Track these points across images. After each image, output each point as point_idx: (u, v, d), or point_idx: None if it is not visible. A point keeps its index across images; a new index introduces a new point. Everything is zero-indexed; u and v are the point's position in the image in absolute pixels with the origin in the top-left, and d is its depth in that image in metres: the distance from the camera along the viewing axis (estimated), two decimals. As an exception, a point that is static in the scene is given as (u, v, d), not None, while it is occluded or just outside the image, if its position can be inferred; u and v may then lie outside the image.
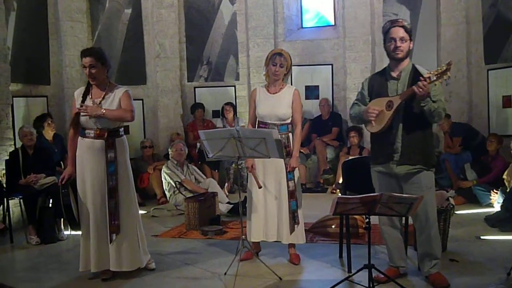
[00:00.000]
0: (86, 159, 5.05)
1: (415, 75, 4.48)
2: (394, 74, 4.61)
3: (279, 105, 5.38)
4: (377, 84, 4.71)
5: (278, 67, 5.36)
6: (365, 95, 4.76)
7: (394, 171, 4.59)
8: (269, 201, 5.40)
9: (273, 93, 5.45)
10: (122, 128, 5.23)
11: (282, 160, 5.23)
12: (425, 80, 4.24)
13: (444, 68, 4.23)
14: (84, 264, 5.14)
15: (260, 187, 5.34)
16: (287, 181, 5.35)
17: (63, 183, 5.13)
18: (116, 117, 5.04)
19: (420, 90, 4.24)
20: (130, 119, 5.12)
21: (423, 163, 4.55)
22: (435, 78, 4.25)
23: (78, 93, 5.18)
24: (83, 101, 5.06)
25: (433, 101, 4.38)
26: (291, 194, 5.35)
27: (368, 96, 4.73)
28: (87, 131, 5.05)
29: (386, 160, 4.61)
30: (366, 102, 4.72)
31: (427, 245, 4.66)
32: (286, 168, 5.33)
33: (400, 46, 4.51)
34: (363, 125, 5.15)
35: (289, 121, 5.44)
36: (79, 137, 5.11)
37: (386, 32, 4.60)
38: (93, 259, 5.07)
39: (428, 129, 4.64)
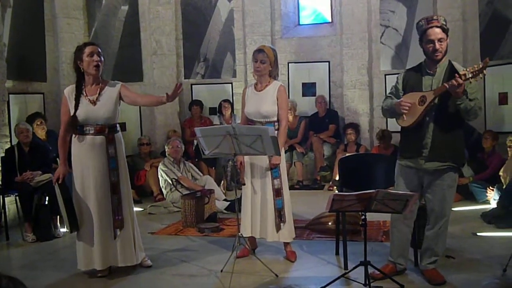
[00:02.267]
0: (87, 156, 5.00)
1: (451, 71, 4.42)
2: (429, 70, 4.57)
3: (263, 102, 5.36)
4: (412, 79, 4.66)
5: (259, 63, 5.34)
6: (399, 89, 4.72)
7: (423, 167, 4.55)
8: (255, 198, 5.39)
9: (259, 91, 5.44)
10: (117, 124, 5.21)
11: (267, 157, 5.23)
12: (460, 78, 4.18)
13: (481, 66, 4.18)
14: (85, 262, 5.10)
15: (243, 184, 5.35)
16: (272, 179, 5.33)
17: (59, 182, 5.10)
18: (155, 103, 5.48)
19: (453, 86, 4.18)
20: (158, 101, 5.31)
21: (453, 160, 4.52)
22: (470, 75, 4.20)
23: (69, 90, 5.10)
24: (76, 102, 4.99)
25: (470, 99, 4.33)
26: (277, 192, 5.32)
27: (402, 90, 4.68)
28: (86, 128, 5.01)
29: (415, 155, 4.58)
30: (399, 96, 4.67)
31: (432, 240, 4.68)
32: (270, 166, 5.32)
33: (439, 48, 4.43)
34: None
35: (275, 118, 5.37)
36: (76, 136, 5.05)
37: (422, 32, 4.51)
38: (99, 256, 5.03)
39: (460, 127, 4.61)
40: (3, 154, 7.10)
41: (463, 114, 4.40)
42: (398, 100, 4.58)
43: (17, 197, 6.86)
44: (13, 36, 8.15)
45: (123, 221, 5.09)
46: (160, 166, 8.32)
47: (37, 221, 6.64)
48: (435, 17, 4.52)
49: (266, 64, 5.36)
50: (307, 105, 10.41)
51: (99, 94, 5.04)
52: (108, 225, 5.05)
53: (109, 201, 5.04)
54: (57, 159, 7.77)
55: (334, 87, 10.39)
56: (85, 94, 5.03)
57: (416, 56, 9.14)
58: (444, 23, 4.47)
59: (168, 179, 8.19)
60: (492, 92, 8.81)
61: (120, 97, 5.13)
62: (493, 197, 7.28)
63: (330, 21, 10.79)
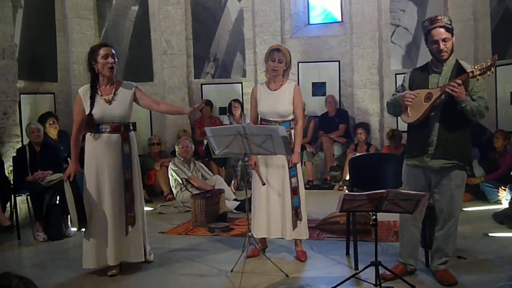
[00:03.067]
0: (102, 153, 5.09)
1: (459, 70, 4.42)
2: (436, 69, 4.56)
3: (279, 102, 5.36)
4: (419, 77, 4.65)
5: (276, 62, 5.33)
6: (406, 87, 4.71)
7: (428, 164, 4.54)
8: (272, 198, 5.39)
9: (274, 90, 5.43)
10: (131, 123, 5.31)
11: (284, 156, 5.23)
12: (467, 76, 4.20)
13: (489, 63, 4.17)
14: (97, 259, 5.13)
15: (263, 184, 5.33)
16: (290, 177, 5.34)
17: (70, 180, 5.14)
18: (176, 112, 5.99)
19: (454, 90, 4.19)
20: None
21: (459, 159, 4.50)
22: (478, 72, 4.19)
23: (84, 90, 5.17)
24: (92, 101, 5.08)
25: (473, 100, 4.32)
26: (294, 191, 5.34)
27: (409, 88, 4.67)
28: (102, 126, 5.09)
29: (420, 153, 4.56)
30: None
31: (443, 241, 4.65)
32: (289, 165, 5.32)
33: (443, 48, 4.43)
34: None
35: (291, 117, 5.41)
36: (92, 134, 5.12)
37: (427, 33, 4.51)
38: (112, 252, 5.09)
39: (467, 126, 4.58)
40: (14, 154, 7.14)
41: (469, 115, 4.38)
42: (403, 93, 4.57)
43: (28, 197, 6.89)
44: (24, 37, 8.19)
45: (135, 217, 5.16)
46: (170, 166, 8.33)
47: (48, 221, 6.66)
48: (438, 17, 4.50)
49: (283, 64, 5.36)
50: (317, 105, 10.39)
51: (114, 93, 5.13)
52: (121, 222, 5.12)
53: (123, 198, 5.13)
54: (68, 158, 7.84)
55: (344, 87, 10.36)
56: (100, 94, 5.12)
57: (426, 55, 9.04)
58: (449, 22, 4.46)
59: (178, 178, 8.20)
60: (504, 91, 8.76)
61: (134, 99, 5.25)
62: (505, 197, 7.24)
63: (340, 20, 10.76)
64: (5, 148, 7.24)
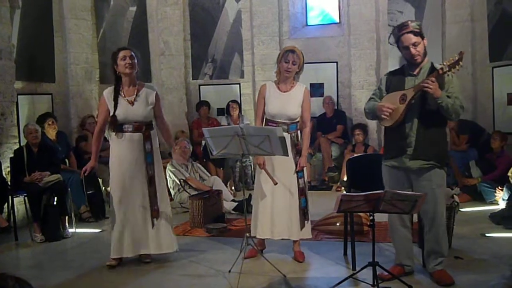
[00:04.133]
0: (126, 151, 5.38)
1: (432, 71, 4.46)
2: (412, 71, 4.61)
3: (290, 104, 5.36)
4: (395, 80, 4.70)
5: (290, 64, 5.31)
6: (383, 90, 4.76)
7: (406, 165, 4.57)
8: (278, 198, 5.38)
9: (284, 91, 5.41)
10: (153, 121, 5.55)
11: (291, 158, 5.24)
12: (437, 73, 4.28)
13: (457, 58, 4.26)
14: (116, 250, 5.41)
15: (275, 184, 5.30)
16: (297, 178, 5.36)
17: (85, 174, 5.53)
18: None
19: (429, 86, 4.26)
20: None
21: (436, 159, 4.53)
22: (447, 69, 4.28)
23: (109, 92, 5.46)
24: (115, 102, 5.35)
25: (449, 97, 4.37)
26: (301, 191, 5.36)
27: (386, 91, 4.72)
28: (125, 126, 5.37)
29: (399, 154, 4.60)
30: (383, 98, 4.71)
31: (435, 242, 4.65)
32: (296, 167, 5.33)
33: (415, 53, 4.50)
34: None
35: (298, 119, 5.42)
36: (115, 133, 5.39)
37: (397, 40, 4.58)
38: (129, 244, 5.39)
39: (444, 126, 4.66)
40: (12, 155, 7.12)
41: (444, 112, 4.43)
42: (379, 104, 4.63)
43: (25, 198, 6.87)
44: (21, 37, 8.18)
45: (158, 211, 5.43)
46: (168, 167, 8.32)
47: (46, 222, 6.66)
48: (405, 24, 4.58)
49: (296, 66, 5.34)
50: (315, 106, 10.32)
51: (136, 95, 5.40)
52: (145, 215, 5.41)
53: (147, 193, 5.41)
54: (66, 159, 7.86)
55: (342, 88, 10.38)
56: (123, 95, 5.41)
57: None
58: (417, 27, 4.54)
59: (176, 179, 8.21)
60: (501, 92, 8.78)
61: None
62: (502, 197, 7.26)
63: (338, 21, 10.79)
64: (3, 149, 7.22)
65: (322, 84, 10.45)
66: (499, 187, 7.46)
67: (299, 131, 5.43)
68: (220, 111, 10.62)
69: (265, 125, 5.45)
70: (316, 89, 10.46)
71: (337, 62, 10.36)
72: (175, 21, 10.41)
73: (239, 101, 10.39)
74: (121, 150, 5.39)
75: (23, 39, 8.20)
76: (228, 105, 10.24)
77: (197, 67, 10.74)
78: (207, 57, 10.70)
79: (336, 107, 10.24)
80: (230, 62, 10.64)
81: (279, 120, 5.35)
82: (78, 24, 9.43)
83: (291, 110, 5.34)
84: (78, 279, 5.19)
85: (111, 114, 5.35)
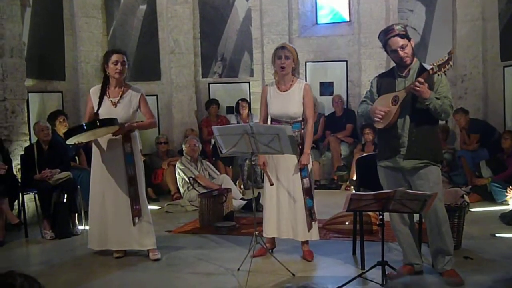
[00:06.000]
0: (106, 151, 5.52)
1: (422, 72, 4.48)
2: (402, 73, 4.63)
3: (290, 103, 5.32)
4: (386, 83, 4.73)
5: (283, 59, 5.28)
6: (374, 92, 4.79)
7: (401, 165, 4.58)
8: (282, 198, 5.37)
9: (284, 91, 5.38)
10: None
11: (295, 157, 5.22)
12: (428, 73, 4.31)
13: (446, 58, 4.27)
14: (97, 243, 5.68)
15: (272, 184, 5.30)
16: (302, 178, 5.30)
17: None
18: (145, 128, 6.08)
19: (418, 87, 4.28)
20: (155, 126, 6.22)
21: (431, 158, 4.55)
22: (437, 69, 4.30)
23: (94, 91, 5.60)
24: (100, 101, 5.47)
25: (438, 98, 4.39)
26: (307, 191, 5.31)
27: (377, 93, 4.75)
28: None
29: (393, 155, 4.61)
30: (374, 100, 4.75)
31: (440, 241, 4.63)
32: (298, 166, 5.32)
33: (403, 55, 4.53)
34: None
35: (301, 118, 5.39)
36: None
37: (384, 44, 4.62)
38: (115, 238, 5.57)
39: (436, 125, 4.69)
40: (22, 152, 7.17)
41: (434, 113, 4.45)
42: (372, 107, 4.65)
43: (36, 195, 6.90)
44: (32, 35, 8.22)
45: (140, 210, 5.51)
46: (178, 165, 8.34)
47: (56, 219, 6.69)
48: (391, 28, 4.60)
49: (290, 60, 5.30)
50: (324, 105, 10.39)
51: (120, 97, 5.50)
52: (125, 213, 5.51)
53: (126, 192, 5.50)
54: (76, 157, 7.89)
55: (351, 87, 10.35)
56: (108, 95, 5.50)
57: (435, 55, 9.08)
58: (402, 29, 4.57)
59: (185, 177, 8.22)
60: (512, 92, 8.74)
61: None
62: (512, 197, 7.23)
63: (348, 20, 10.74)
64: (13, 146, 7.27)
65: (332, 83, 10.43)
66: (510, 187, 7.42)
67: (303, 131, 5.37)
68: (230, 110, 10.63)
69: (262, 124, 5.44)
70: (325, 88, 10.45)
71: (347, 61, 10.33)
72: (185, 19, 10.41)
73: (248, 100, 10.38)
74: (101, 150, 5.54)
75: (33, 37, 8.24)
76: (237, 103, 10.25)
77: (206, 65, 10.73)
78: (216, 56, 10.69)
79: (345, 106, 10.22)
80: (239, 60, 10.63)
81: (281, 120, 5.34)
82: (89, 22, 9.48)
83: (291, 109, 5.31)
84: (87, 276, 5.20)
85: (94, 111, 5.49)
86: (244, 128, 4.87)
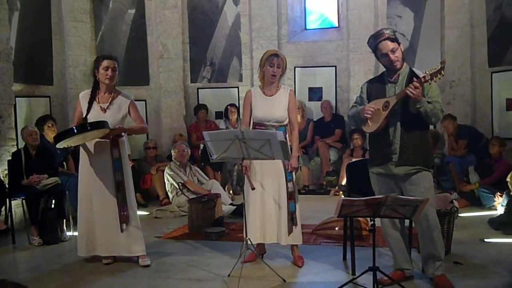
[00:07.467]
0: (94, 157, 5.49)
1: (412, 77, 4.49)
2: (391, 78, 4.64)
3: (276, 107, 5.37)
4: (375, 88, 4.74)
5: (275, 68, 5.32)
6: (364, 98, 4.80)
7: (393, 172, 4.59)
8: (268, 202, 5.37)
9: (270, 96, 5.42)
10: None
11: (280, 161, 5.22)
12: (420, 80, 4.30)
13: (439, 67, 4.28)
14: (86, 250, 5.60)
15: (253, 189, 5.28)
16: (286, 182, 5.33)
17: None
18: (136, 132, 6.18)
19: (412, 92, 4.28)
20: (146, 132, 6.39)
21: (422, 163, 4.56)
22: (429, 77, 4.30)
23: (84, 95, 5.56)
24: (89, 106, 5.45)
25: (429, 102, 4.41)
26: (290, 195, 5.32)
27: (367, 99, 4.76)
28: None
29: (385, 161, 4.62)
30: (364, 105, 4.74)
31: (430, 246, 4.64)
32: (286, 169, 5.31)
33: (394, 59, 4.54)
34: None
35: (286, 122, 5.43)
36: None
37: (375, 49, 4.62)
38: (103, 245, 5.53)
39: (426, 130, 4.70)
40: (9, 157, 7.10)
41: (424, 117, 4.46)
42: (363, 106, 4.68)
43: (23, 201, 6.85)
44: (20, 40, 8.17)
45: (128, 216, 5.50)
46: (166, 170, 8.31)
47: (44, 225, 6.62)
48: (380, 32, 4.62)
49: (281, 69, 5.37)
50: (313, 110, 10.41)
51: (110, 103, 5.50)
52: (113, 219, 5.48)
53: (114, 198, 5.47)
54: (64, 162, 7.83)
55: (340, 92, 10.38)
56: (97, 101, 5.49)
57: (423, 61, 9.15)
58: (392, 33, 4.58)
59: (174, 183, 8.19)
60: (500, 98, 8.80)
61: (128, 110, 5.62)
62: (500, 203, 7.25)
63: (337, 25, 10.78)
64: (0, 151, 7.19)
65: (321, 88, 10.45)
66: (499, 193, 7.46)
67: (287, 135, 5.38)
68: (219, 115, 10.61)
69: (252, 129, 5.44)
70: (314, 93, 10.47)
71: (336, 66, 10.36)
72: (174, 24, 10.39)
73: (237, 105, 10.37)
74: (89, 155, 5.51)
75: (21, 41, 8.19)
76: (226, 108, 10.24)
77: (195, 70, 10.71)
78: (205, 61, 10.68)
79: (334, 112, 10.24)
80: (228, 65, 10.63)
81: (267, 123, 5.35)
82: (77, 26, 9.44)
83: (277, 113, 5.35)
84: (76, 283, 5.15)
85: (83, 116, 5.47)
86: (235, 133, 4.86)
